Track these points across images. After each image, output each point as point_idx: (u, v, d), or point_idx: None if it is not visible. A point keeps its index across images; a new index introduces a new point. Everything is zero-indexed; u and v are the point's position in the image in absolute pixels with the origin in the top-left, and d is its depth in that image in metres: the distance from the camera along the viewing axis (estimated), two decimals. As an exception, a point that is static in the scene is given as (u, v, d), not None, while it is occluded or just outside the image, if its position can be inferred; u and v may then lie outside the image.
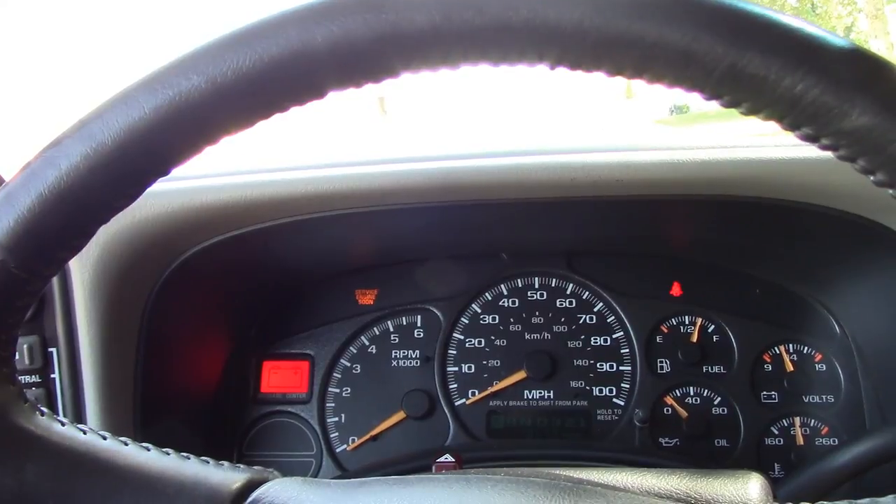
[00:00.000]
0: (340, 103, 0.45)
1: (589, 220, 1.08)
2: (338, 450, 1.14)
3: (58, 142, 0.42)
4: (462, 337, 1.16)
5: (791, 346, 1.12)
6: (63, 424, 0.49)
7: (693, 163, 0.91)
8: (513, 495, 0.48)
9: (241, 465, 0.52)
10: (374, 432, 1.14)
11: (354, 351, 1.17)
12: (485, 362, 1.15)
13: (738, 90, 0.37)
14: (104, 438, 0.49)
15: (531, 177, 0.91)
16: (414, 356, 1.16)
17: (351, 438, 1.14)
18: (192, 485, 0.48)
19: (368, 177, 0.94)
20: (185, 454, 0.51)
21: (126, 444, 0.49)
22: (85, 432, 0.49)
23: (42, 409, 0.49)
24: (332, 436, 1.14)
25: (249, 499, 0.49)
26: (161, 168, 0.44)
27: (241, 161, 1.02)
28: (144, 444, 0.50)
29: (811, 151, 0.90)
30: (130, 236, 0.91)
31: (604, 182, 0.91)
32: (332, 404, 1.15)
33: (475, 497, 0.48)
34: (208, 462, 0.51)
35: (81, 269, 0.89)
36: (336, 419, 1.15)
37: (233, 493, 0.49)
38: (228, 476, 0.50)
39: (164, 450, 0.51)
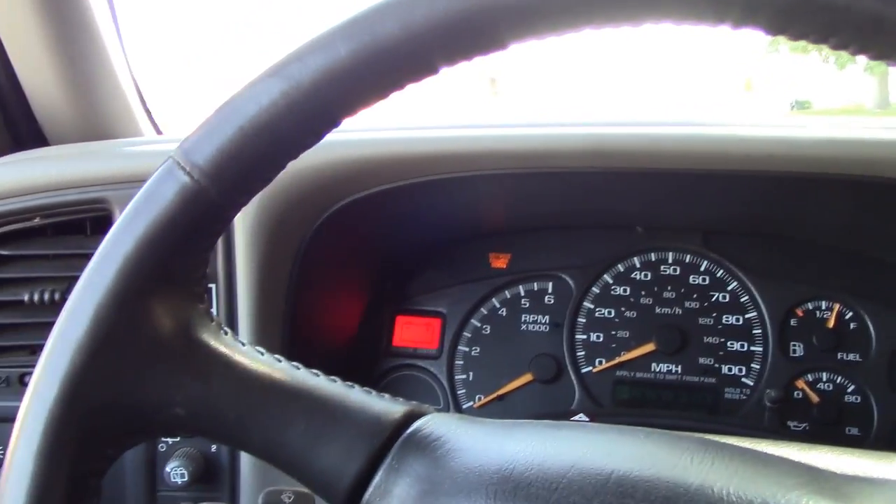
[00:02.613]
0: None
1: (730, 196, 1.07)
2: (464, 406, 1.17)
3: (259, 80, 0.46)
4: (592, 306, 1.17)
5: (933, 339, 1.09)
6: (244, 345, 0.52)
7: (850, 141, 0.89)
8: (667, 446, 0.49)
9: (401, 399, 0.54)
10: (500, 392, 1.16)
11: (485, 312, 1.20)
12: (613, 332, 1.16)
13: None
14: (279, 361, 0.52)
15: (682, 147, 0.92)
16: (543, 321, 1.18)
17: (478, 396, 1.17)
18: (357, 411, 0.51)
19: (517, 138, 0.96)
20: (349, 383, 0.54)
21: (298, 369, 0.53)
22: (263, 353, 0.53)
23: (226, 329, 0.53)
24: (459, 392, 1.18)
25: (410, 429, 0.52)
26: (350, 110, 0.46)
27: (389, 119, 1.05)
28: (314, 371, 0.53)
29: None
30: (290, 184, 0.95)
31: (755, 156, 0.91)
32: (461, 362, 1.19)
33: (629, 444, 0.49)
34: (371, 392, 0.53)
35: (243, 212, 0.94)
36: (464, 377, 1.18)
37: (395, 421, 0.52)
38: (390, 407, 0.53)
39: (331, 378, 0.54)
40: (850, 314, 1.11)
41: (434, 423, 0.52)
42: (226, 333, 0.52)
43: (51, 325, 0.46)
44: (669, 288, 1.16)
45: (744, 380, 1.12)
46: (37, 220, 1.00)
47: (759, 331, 1.12)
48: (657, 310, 1.16)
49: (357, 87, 0.45)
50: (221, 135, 0.45)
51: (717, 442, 0.49)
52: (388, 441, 0.51)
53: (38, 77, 1.23)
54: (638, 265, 1.17)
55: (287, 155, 0.47)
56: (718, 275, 1.15)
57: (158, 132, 1.41)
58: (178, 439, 0.98)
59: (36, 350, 1.00)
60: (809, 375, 1.11)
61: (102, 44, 1.25)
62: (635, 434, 0.51)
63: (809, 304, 1.13)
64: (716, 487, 0.43)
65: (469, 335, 1.19)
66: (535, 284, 1.19)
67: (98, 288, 0.46)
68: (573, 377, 1.15)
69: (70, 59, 1.22)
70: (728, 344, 1.13)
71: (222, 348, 0.51)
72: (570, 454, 0.47)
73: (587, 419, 0.96)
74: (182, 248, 0.48)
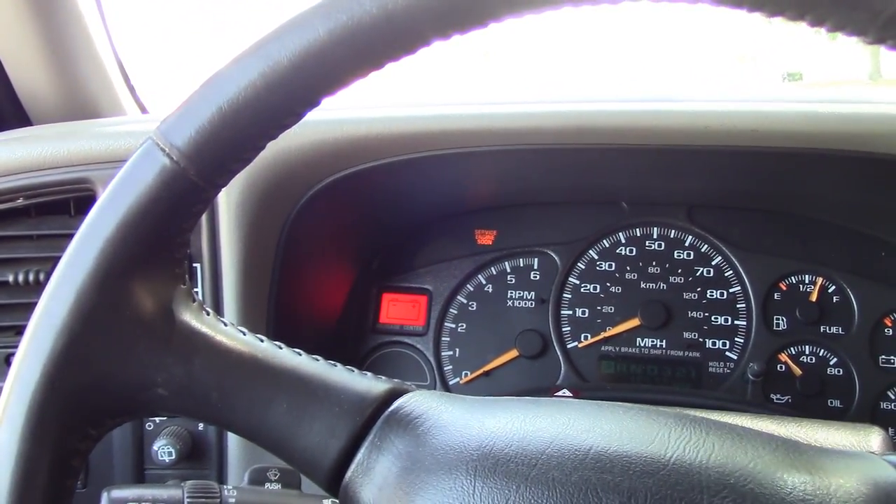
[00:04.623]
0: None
1: (714, 171, 1.07)
2: (451, 382, 1.18)
3: (237, 60, 0.45)
4: (577, 282, 1.18)
5: (914, 312, 1.10)
6: (226, 325, 0.52)
7: (833, 116, 0.90)
8: (645, 422, 0.49)
9: (384, 377, 0.55)
10: (486, 368, 1.17)
11: (471, 289, 1.20)
12: (599, 308, 1.17)
13: None
14: (261, 341, 0.53)
15: (665, 123, 0.92)
16: (529, 297, 1.18)
17: (464, 372, 1.18)
18: (339, 389, 0.51)
19: (502, 116, 0.96)
20: (332, 362, 0.54)
21: (281, 348, 0.53)
22: (245, 333, 0.53)
23: (208, 309, 0.53)
24: (446, 368, 1.18)
25: (392, 407, 0.52)
26: (331, 88, 0.46)
27: (374, 97, 1.05)
28: (296, 350, 0.53)
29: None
30: (274, 163, 0.95)
31: (738, 132, 0.91)
32: (448, 338, 1.19)
33: (608, 419, 0.50)
34: (353, 371, 0.54)
35: (227, 191, 0.94)
36: (451, 353, 1.19)
37: (376, 399, 0.52)
38: (372, 385, 0.53)
39: (314, 356, 0.54)
40: (833, 287, 1.12)
41: (415, 401, 0.53)
42: (207, 314, 0.52)
43: (36, 305, 0.47)
44: (654, 263, 1.16)
45: (727, 353, 1.13)
46: (20, 201, 1.00)
47: (743, 305, 1.13)
48: (642, 285, 1.16)
49: (336, 67, 0.45)
50: (200, 115, 0.45)
51: (694, 416, 0.50)
52: (370, 419, 0.51)
53: (19, 55, 1.22)
54: (623, 240, 1.18)
55: (266, 135, 0.47)
56: (703, 249, 1.16)
57: (143, 110, 1.40)
58: (164, 418, 0.99)
59: (21, 330, 0.99)
60: (792, 349, 1.12)
61: (84, 22, 1.24)
62: (614, 410, 0.51)
63: (793, 277, 1.13)
64: (693, 462, 0.44)
65: (455, 312, 1.20)
66: (521, 261, 1.20)
67: (78, 270, 0.46)
68: (559, 353, 1.15)
69: (52, 37, 1.21)
70: (712, 318, 1.14)
71: (204, 328, 0.51)
72: (549, 431, 0.48)
73: (570, 395, 0.96)
74: (162, 230, 0.48)
